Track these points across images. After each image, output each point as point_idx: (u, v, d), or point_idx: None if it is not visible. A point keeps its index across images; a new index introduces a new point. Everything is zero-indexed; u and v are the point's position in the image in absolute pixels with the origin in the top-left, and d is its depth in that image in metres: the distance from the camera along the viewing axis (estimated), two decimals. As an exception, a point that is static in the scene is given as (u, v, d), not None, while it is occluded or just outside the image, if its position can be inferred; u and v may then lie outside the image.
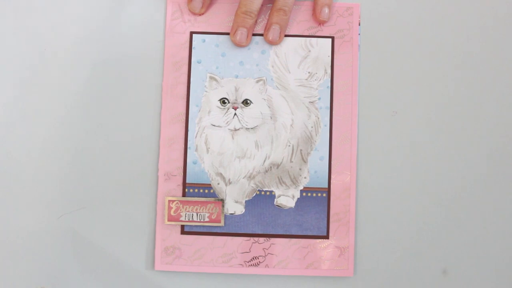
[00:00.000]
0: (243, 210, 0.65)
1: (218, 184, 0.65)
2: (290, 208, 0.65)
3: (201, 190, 0.65)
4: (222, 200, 0.65)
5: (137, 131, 0.66)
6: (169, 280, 0.65)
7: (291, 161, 0.65)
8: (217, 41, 0.66)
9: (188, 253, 0.65)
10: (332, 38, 0.67)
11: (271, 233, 0.65)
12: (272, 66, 0.66)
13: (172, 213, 0.64)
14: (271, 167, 0.65)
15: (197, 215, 0.65)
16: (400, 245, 0.66)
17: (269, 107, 0.66)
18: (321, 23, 0.67)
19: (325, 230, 0.65)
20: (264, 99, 0.66)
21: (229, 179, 0.65)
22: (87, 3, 0.67)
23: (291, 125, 0.66)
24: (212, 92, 0.66)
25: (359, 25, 0.67)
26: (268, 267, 0.65)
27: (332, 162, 0.66)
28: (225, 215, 0.65)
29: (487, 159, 0.66)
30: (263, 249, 0.65)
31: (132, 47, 0.66)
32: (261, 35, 0.66)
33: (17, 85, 0.66)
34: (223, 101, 0.66)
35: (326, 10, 0.66)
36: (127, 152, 0.65)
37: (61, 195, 0.65)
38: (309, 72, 0.66)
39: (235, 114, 0.66)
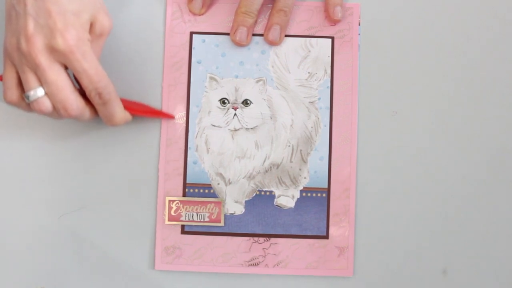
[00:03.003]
0: (243, 210, 0.65)
1: (218, 184, 0.65)
2: (290, 208, 0.65)
3: (201, 190, 0.65)
4: (222, 200, 0.65)
5: (137, 131, 0.66)
6: (169, 280, 0.65)
7: (291, 161, 0.66)
8: (217, 41, 0.66)
9: (188, 253, 0.65)
10: (332, 38, 0.67)
11: (271, 233, 0.65)
12: (272, 66, 0.66)
13: (172, 213, 0.65)
14: (271, 167, 0.66)
15: (197, 215, 0.65)
16: (400, 245, 0.66)
17: (269, 107, 0.66)
18: (335, 22, 0.67)
19: (325, 230, 0.65)
20: (264, 99, 0.66)
21: (229, 179, 0.65)
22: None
23: (291, 125, 0.66)
24: (212, 92, 0.66)
25: (359, 25, 0.67)
26: (268, 267, 0.65)
27: (332, 162, 0.66)
28: (225, 215, 0.65)
29: (487, 159, 0.66)
30: (263, 249, 0.65)
31: (132, 47, 0.66)
32: (261, 35, 0.66)
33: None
34: (223, 101, 0.66)
35: (339, 9, 0.66)
36: (127, 152, 0.66)
37: (61, 195, 0.65)
38: (309, 72, 0.66)
39: (235, 114, 0.66)
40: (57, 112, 0.58)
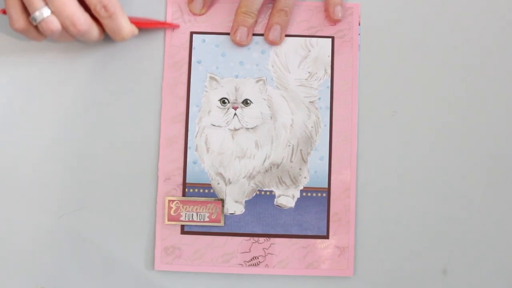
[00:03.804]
0: (243, 210, 0.65)
1: (218, 184, 0.65)
2: (290, 208, 0.65)
3: (201, 190, 0.65)
4: (222, 200, 0.65)
5: (137, 131, 0.66)
6: (169, 280, 0.65)
7: (291, 161, 0.66)
8: (217, 41, 0.66)
9: (188, 253, 0.65)
10: (332, 38, 0.67)
11: (271, 233, 0.65)
12: (272, 66, 0.66)
13: (172, 213, 0.64)
14: (271, 167, 0.66)
15: (197, 215, 0.65)
16: (400, 245, 0.66)
17: (269, 107, 0.66)
18: (335, 22, 0.67)
19: (325, 230, 0.65)
20: (264, 99, 0.66)
21: (229, 179, 0.65)
22: (87, 3, 0.67)
23: (291, 125, 0.66)
24: (212, 92, 0.66)
25: (359, 25, 0.67)
26: (268, 267, 0.65)
27: (332, 162, 0.66)
28: (225, 215, 0.65)
29: (487, 159, 0.66)
30: (263, 249, 0.65)
31: (132, 47, 0.66)
32: (261, 35, 0.66)
33: (17, 84, 0.66)
34: (223, 101, 0.66)
35: (339, 8, 0.66)
36: (127, 152, 0.65)
37: (61, 195, 0.65)
38: (309, 72, 0.66)
39: (235, 114, 0.66)
40: (66, 30, 0.59)
